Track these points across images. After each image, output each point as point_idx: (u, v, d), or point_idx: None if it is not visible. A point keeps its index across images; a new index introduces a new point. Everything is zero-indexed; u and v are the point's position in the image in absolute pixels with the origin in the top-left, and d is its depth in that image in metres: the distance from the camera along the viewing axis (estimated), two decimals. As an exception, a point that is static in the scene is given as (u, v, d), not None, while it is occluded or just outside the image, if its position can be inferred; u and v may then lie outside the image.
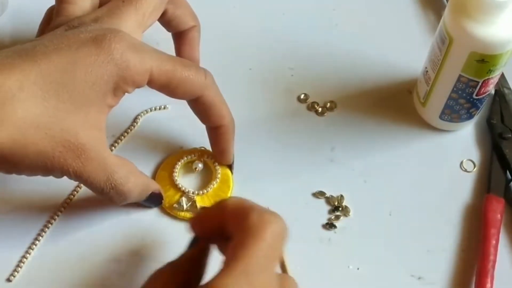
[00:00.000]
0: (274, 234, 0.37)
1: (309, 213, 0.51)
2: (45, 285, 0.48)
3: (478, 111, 0.53)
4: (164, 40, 0.54)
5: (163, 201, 0.49)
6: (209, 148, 0.51)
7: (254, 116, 0.55)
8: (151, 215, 0.50)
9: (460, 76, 0.49)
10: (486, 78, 0.49)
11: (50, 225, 0.49)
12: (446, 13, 0.48)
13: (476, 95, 0.50)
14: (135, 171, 0.46)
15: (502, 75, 0.56)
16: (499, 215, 0.50)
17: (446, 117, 0.53)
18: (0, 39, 0.57)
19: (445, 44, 0.48)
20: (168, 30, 0.53)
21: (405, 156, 0.54)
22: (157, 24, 0.50)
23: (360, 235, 0.50)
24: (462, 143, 0.54)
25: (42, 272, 0.48)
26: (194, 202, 0.50)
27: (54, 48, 0.41)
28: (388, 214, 0.51)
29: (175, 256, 0.40)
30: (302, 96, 0.56)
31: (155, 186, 0.48)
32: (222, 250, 0.41)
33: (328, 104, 0.56)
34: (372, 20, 0.60)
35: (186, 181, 0.52)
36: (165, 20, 0.51)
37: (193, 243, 0.42)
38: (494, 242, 0.48)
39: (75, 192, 0.50)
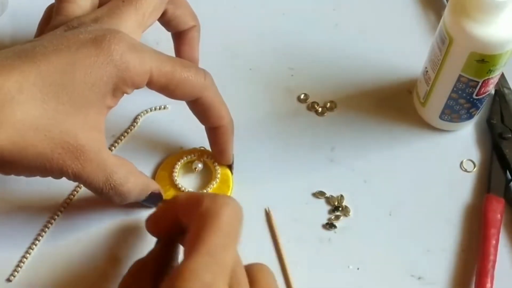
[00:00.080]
0: (229, 214, 0.38)
1: (309, 213, 0.51)
2: (45, 285, 0.48)
3: (478, 111, 0.53)
4: (164, 40, 0.54)
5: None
6: (209, 148, 0.51)
7: (254, 116, 0.55)
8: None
9: (460, 76, 0.49)
10: (486, 78, 0.49)
11: (50, 225, 0.49)
12: (446, 13, 0.48)
13: (476, 95, 0.50)
14: (135, 171, 0.46)
15: (502, 75, 0.56)
16: (499, 215, 0.50)
17: (446, 117, 0.53)
18: (0, 39, 0.57)
19: (445, 44, 0.48)
20: (168, 30, 0.53)
21: (405, 156, 0.54)
22: (157, 24, 0.50)
23: (360, 235, 0.50)
24: (462, 143, 0.54)
25: (42, 272, 0.48)
26: (194, 202, 0.50)
27: (53, 49, 0.41)
28: (388, 214, 0.51)
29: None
30: (302, 96, 0.56)
31: (154, 186, 0.48)
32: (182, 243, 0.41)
33: (328, 104, 0.56)
34: (372, 20, 0.60)
35: (186, 181, 0.52)
36: (165, 20, 0.51)
37: (158, 241, 0.43)
38: (494, 242, 0.48)
39: (75, 192, 0.50)
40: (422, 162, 0.53)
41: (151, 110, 0.55)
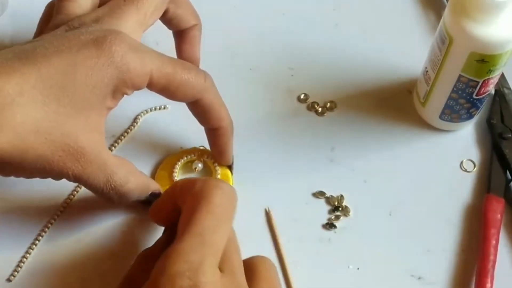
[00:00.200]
0: (221, 196, 0.38)
1: (309, 213, 0.51)
2: (45, 285, 0.48)
3: (478, 111, 0.53)
4: (164, 40, 0.54)
5: (163, 201, 0.50)
6: (208, 147, 0.51)
7: (254, 116, 0.55)
8: (151, 215, 0.50)
9: (460, 76, 0.49)
10: (486, 78, 0.49)
11: (50, 225, 0.49)
12: (446, 13, 0.48)
13: (476, 95, 0.50)
14: (135, 171, 0.46)
15: (502, 75, 0.56)
16: (499, 215, 0.50)
17: (446, 117, 0.53)
18: (0, 39, 0.57)
19: (445, 44, 0.48)
20: (169, 28, 0.52)
21: (405, 156, 0.54)
22: (157, 24, 0.50)
23: (360, 235, 0.50)
24: (462, 143, 0.54)
25: (42, 272, 0.48)
26: (194, 202, 0.50)
27: (54, 50, 0.41)
28: (388, 214, 0.51)
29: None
30: (302, 96, 0.56)
31: (155, 186, 0.48)
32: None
33: (328, 104, 0.56)
34: (372, 20, 0.60)
35: (186, 181, 0.52)
36: (166, 19, 0.51)
37: (165, 230, 0.44)
38: (494, 242, 0.48)
39: (75, 192, 0.50)
40: (422, 162, 0.53)
41: (151, 110, 0.55)
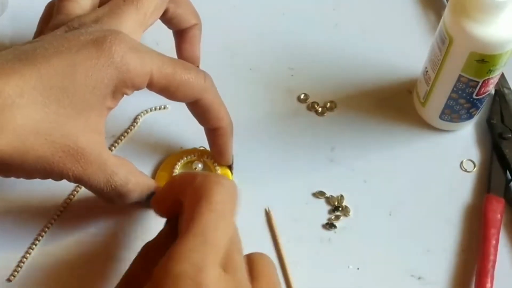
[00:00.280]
0: (222, 193, 0.38)
1: (309, 213, 0.51)
2: (45, 285, 0.48)
3: (478, 111, 0.53)
4: (164, 40, 0.54)
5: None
6: (209, 147, 0.51)
7: (254, 116, 0.55)
8: (151, 215, 0.50)
9: (460, 76, 0.49)
10: (486, 78, 0.49)
11: (50, 225, 0.49)
12: (446, 13, 0.48)
13: (476, 95, 0.50)
14: (135, 172, 0.46)
15: (502, 75, 0.56)
16: (499, 215, 0.50)
17: (446, 117, 0.53)
18: (0, 40, 0.57)
19: (445, 44, 0.48)
20: (169, 28, 0.52)
21: (405, 156, 0.54)
22: (157, 24, 0.50)
23: (360, 235, 0.50)
24: (462, 143, 0.54)
25: (42, 272, 0.48)
26: (194, 202, 0.50)
27: (54, 51, 0.41)
28: (388, 214, 0.51)
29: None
30: (302, 96, 0.56)
31: (155, 186, 0.48)
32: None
33: (328, 104, 0.56)
34: (372, 20, 0.60)
35: (186, 181, 0.52)
36: (166, 19, 0.51)
37: (167, 222, 0.44)
38: (494, 242, 0.48)
39: (75, 192, 0.50)
40: (422, 162, 0.53)
41: (151, 110, 0.55)
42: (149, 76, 0.43)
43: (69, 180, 0.42)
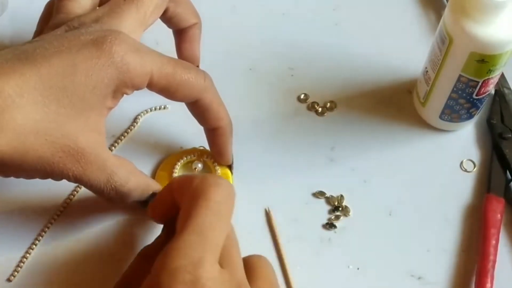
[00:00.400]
0: (220, 193, 0.38)
1: (309, 213, 0.51)
2: (45, 285, 0.48)
3: (478, 111, 0.53)
4: (164, 40, 0.54)
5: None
6: (208, 148, 0.51)
7: (254, 116, 0.55)
8: (151, 215, 0.50)
9: (460, 76, 0.49)
10: (486, 78, 0.49)
11: (50, 225, 0.49)
12: (446, 13, 0.48)
13: (476, 95, 0.50)
14: (135, 171, 0.46)
15: (502, 75, 0.56)
16: (499, 215, 0.50)
17: (446, 117, 0.53)
18: (0, 39, 0.57)
19: (445, 44, 0.48)
20: (169, 27, 0.52)
21: (405, 156, 0.54)
22: (157, 23, 0.50)
23: (360, 235, 0.50)
24: (462, 143, 0.54)
25: (42, 272, 0.48)
26: (194, 202, 0.50)
27: (54, 51, 0.41)
28: (388, 214, 0.51)
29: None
30: (302, 96, 0.56)
31: (156, 186, 0.48)
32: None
33: (328, 104, 0.56)
34: (372, 20, 0.60)
35: (186, 181, 0.52)
36: (166, 18, 0.51)
37: (164, 227, 0.44)
38: (494, 242, 0.48)
39: (75, 192, 0.50)
40: (422, 162, 0.53)
41: (151, 110, 0.55)
42: (149, 76, 0.43)
43: (69, 180, 0.42)
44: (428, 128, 0.55)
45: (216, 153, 0.50)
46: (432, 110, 0.53)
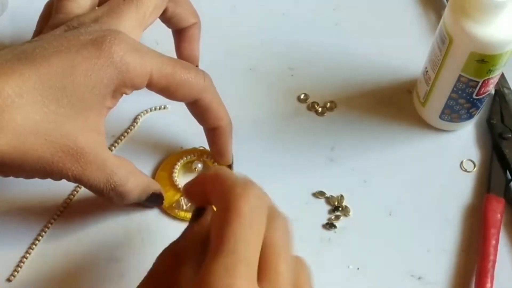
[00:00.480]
0: (249, 202, 0.36)
1: (309, 213, 0.51)
2: (45, 285, 0.48)
3: (478, 111, 0.53)
4: (164, 40, 0.54)
5: (163, 201, 0.49)
6: (208, 148, 0.51)
7: (254, 116, 0.55)
8: (151, 215, 0.50)
9: (460, 76, 0.49)
10: (486, 78, 0.49)
11: (50, 225, 0.49)
12: (446, 13, 0.48)
13: (476, 95, 0.50)
14: (135, 171, 0.46)
15: (502, 75, 0.56)
16: (499, 215, 0.50)
17: (446, 117, 0.53)
18: (0, 40, 0.57)
19: (445, 44, 0.48)
20: (169, 27, 0.52)
21: (405, 156, 0.54)
22: (157, 23, 0.50)
23: (360, 235, 0.50)
24: (462, 143, 0.54)
25: (42, 272, 0.48)
26: (194, 202, 0.50)
27: (53, 51, 0.41)
28: (388, 214, 0.51)
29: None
30: (302, 96, 0.56)
31: (155, 186, 0.48)
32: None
33: (328, 104, 0.56)
34: (372, 20, 0.60)
35: (186, 181, 0.51)
36: (165, 18, 0.51)
37: (195, 216, 0.41)
38: (494, 242, 0.48)
39: (75, 192, 0.50)
40: (422, 162, 0.53)
41: (151, 110, 0.55)
42: (148, 76, 0.43)
43: (69, 180, 0.42)
44: (428, 128, 0.55)
45: (216, 153, 0.50)
46: (432, 110, 0.53)
